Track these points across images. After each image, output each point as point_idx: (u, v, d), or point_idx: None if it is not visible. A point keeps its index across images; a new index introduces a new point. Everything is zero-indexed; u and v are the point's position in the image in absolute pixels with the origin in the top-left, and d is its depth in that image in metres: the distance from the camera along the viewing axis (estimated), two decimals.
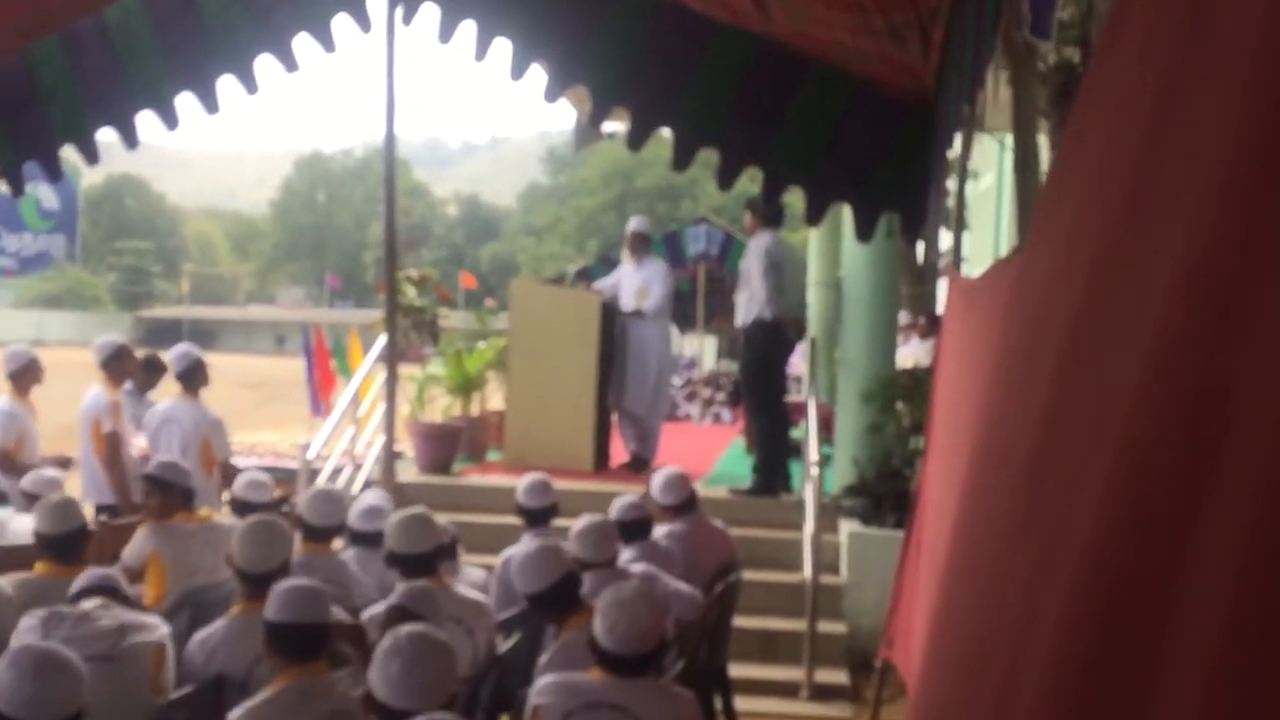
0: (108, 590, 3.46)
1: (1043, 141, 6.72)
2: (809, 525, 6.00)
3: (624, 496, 4.80)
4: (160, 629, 3.40)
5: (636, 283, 8.16)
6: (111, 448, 5.81)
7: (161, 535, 4.42)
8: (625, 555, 4.43)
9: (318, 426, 8.50)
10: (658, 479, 5.09)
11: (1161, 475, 0.73)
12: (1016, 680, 0.98)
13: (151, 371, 6.80)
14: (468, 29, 4.33)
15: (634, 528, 4.59)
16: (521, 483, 4.91)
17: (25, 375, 6.01)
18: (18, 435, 5.85)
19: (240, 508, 4.73)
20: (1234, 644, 0.62)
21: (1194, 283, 0.72)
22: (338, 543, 4.60)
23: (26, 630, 3.17)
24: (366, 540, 4.44)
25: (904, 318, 8.76)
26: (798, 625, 5.76)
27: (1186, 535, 0.69)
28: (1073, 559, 0.85)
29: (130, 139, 4.60)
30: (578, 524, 4.19)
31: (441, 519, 4.23)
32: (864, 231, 4.44)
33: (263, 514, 4.13)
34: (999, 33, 2.68)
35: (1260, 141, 0.67)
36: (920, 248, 8.23)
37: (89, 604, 3.33)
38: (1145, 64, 0.91)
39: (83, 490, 5.84)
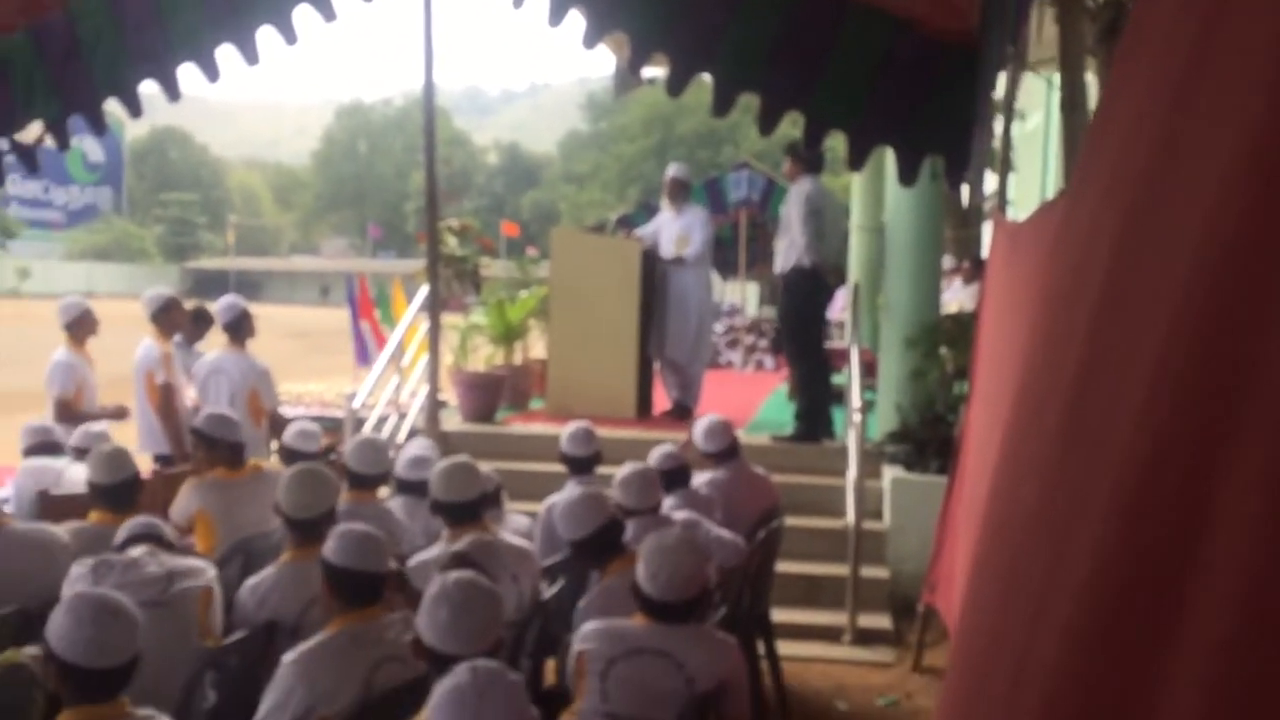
0: (153, 537, 3.54)
1: (1091, 80, 6.57)
2: (852, 471, 6.00)
3: (661, 446, 4.82)
4: (208, 573, 3.48)
5: (676, 230, 8.12)
6: (166, 399, 5.91)
7: (206, 490, 4.48)
8: (666, 503, 4.46)
9: (362, 376, 8.60)
10: (700, 426, 5.11)
11: (1180, 443, 0.72)
12: (1045, 619, 0.98)
13: (199, 322, 6.88)
14: None
15: (673, 476, 4.62)
16: (565, 431, 4.94)
17: (80, 326, 6.12)
18: (76, 385, 5.98)
19: (290, 456, 4.80)
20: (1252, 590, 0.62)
21: (1223, 248, 0.70)
22: (383, 491, 4.66)
23: (77, 578, 3.26)
24: (412, 489, 4.51)
25: (948, 262, 8.66)
26: (841, 570, 5.78)
27: (1206, 496, 0.68)
28: (1099, 518, 0.85)
29: (172, 91, 4.62)
30: (621, 471, 4.21)
31: (485, 467, 4.27)
32: (907, 175, 4.37)
33: (309, 462, 4.19)
34: None
35: None
36: (965, 191, 8.12)
37: (136, 551, 3.41)
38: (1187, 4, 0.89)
39: (139, 441, 5.96)
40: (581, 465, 4.85)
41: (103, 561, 3.32)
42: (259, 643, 3.31)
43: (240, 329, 5.98)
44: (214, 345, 6.37)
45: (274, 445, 5.85)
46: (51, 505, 4.47)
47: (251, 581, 3.53)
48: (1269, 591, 0.60)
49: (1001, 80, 4.75)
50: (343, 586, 2.95)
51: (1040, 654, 0.96)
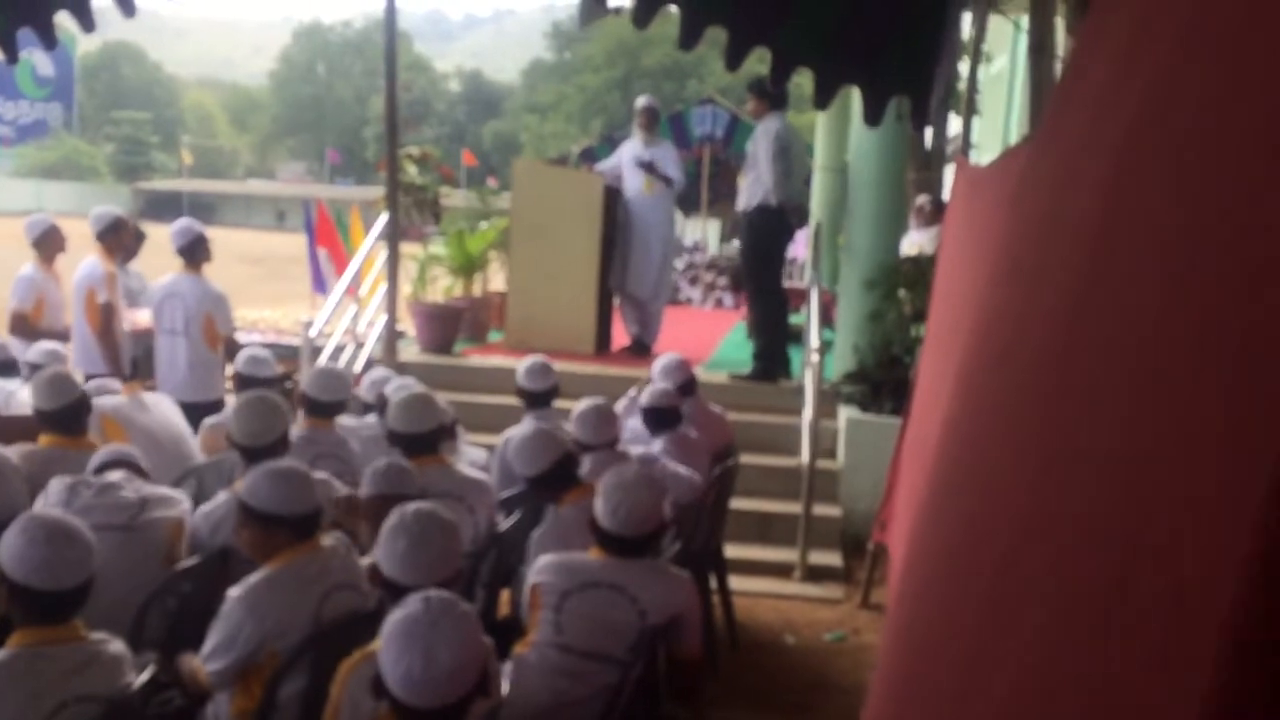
0: (128, 464, 3.53)
1: (1059, 25, 6.54)
2: (808, 411, 6.05)
3: (656, 384, 4.81)
4: (182, 504, 3.46)
5: (646, 159, 8.05)
6: (105, 318, 5.82)
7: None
8: (655, 446, 4.50)
9: (319, 304, 8.51)
10: (658, 363, 5.12)
11: (1167, 391, 0.72)
12: (1017, 564, 0.99)
13: (136, 241, 6.76)
14: None
15: (662, 416, 4.63)
16: (522, 365, 4.93)
17: (47, 243, 6.06)
18: (35, 300, 5.91)
19: (243, 383, 4.76)
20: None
21: (1237, 208, 0.69)
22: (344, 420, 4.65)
23: (53, 494, 3.24)
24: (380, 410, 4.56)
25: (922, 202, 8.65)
26: (794, 508, 5.85)
27: (1190, 452, 0.68)
28: (1091, 468, 0.85)
29: (127, 6, 4.47)
30: (578, 406, 4.22)
31: (442, 399, 4.27)
32: (873, 115, 4.35)
33: (260, 389, 4.16)
34: None
35: None
36: (927, 133, 8.11)
37: (113, 474, 3.39)
38: None
39: (74, 359, 5.86)
40: (538, 399, 4.85)
41: (80, 481, 3.31)
42: (213, 569, 3.31)
43: (196, 253, 5.89)
44: (168, 269, 6.26)
45: (229, 370, 5.79)
46: (3, 426, 4.40)
47: (205, 508, 3.51)
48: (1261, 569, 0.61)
49: (968, 21, 4.72)
50: (273, 529, 2.87)
51: (1002, 606, 0.97)
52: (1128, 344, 0.84)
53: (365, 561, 2.92)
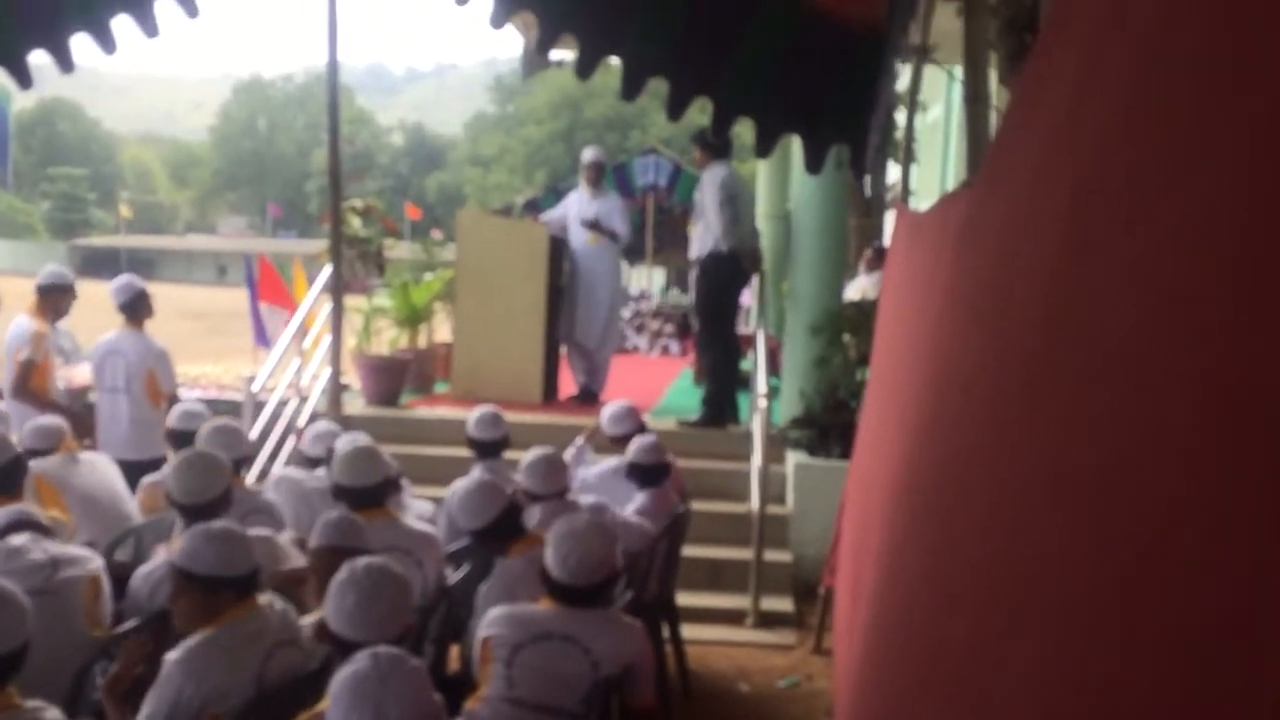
0: (32, 524, 3.41)
1: (992, 75, 6.71)
2: (756, 456, 6.06)
3: (645, 437, 4.79)
4: (93, 562, 3.37)
5: (591, 214, 8.09)
6: (20, 376, 5.69)
7: None
8: (637, 500, 4.49)
9: (262, 358, 8.40)
10: (607, 411, 5.11)
11: (1164, 437, 0.73)
12: (991, 590, 0.99)
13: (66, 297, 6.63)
14: None
15: (653, 472, 4.61)
16: (472, 415, 4.90)
17: None
18: None
19: (177, 439, 4.67)
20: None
21: (1214, 234, 0.70)
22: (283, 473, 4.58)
23: None
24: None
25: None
26: (744, 555, 5.84)
27: (1174, 489, 0.69)
28: (1072, 489, 0.86)
29: (64, 62, 4.43)
30: (527, 456, 4.19)
31: (388, 451, 4.22)
32: (814, 163, 4.42)
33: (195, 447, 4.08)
34: None
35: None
36: (867, 180, 8.24)
37: (18, 539, 3.28)
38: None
39: (13, 421, 5.72)
40: (489, 449, 4.82)
41: None
42: (152, 632, 3.22)
43: (137, 309, 5.80)
44: (110, 326, 6.15)
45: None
46: None
47: (144, 569, 3.43)
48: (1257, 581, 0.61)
49: (906, 72, 4.82)
50: (216, 592, 2.77)
51: (951, 638, 0.97)
52: (1097, 374, 0.85)
53: (308, 620, 2.86)
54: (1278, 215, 0.62)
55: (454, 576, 3.83)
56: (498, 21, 4.31)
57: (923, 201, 5.81)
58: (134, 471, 4.86)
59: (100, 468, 4.66)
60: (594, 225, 7.99)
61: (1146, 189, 0.81)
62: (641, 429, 5.08)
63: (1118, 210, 0.87)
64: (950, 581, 1.21)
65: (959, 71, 6.89)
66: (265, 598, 2.88)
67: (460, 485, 4.02)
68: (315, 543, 3.26)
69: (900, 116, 6.27)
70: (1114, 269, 0.86)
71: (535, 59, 9.79)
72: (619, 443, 5.01)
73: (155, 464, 5.41)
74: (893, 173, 10.13)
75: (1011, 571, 1.01)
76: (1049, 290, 1.02)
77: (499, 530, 3.57)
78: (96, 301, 6.68)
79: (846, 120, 4.16)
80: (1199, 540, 0.65)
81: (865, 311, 6.60)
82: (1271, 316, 0.61)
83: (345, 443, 4.43)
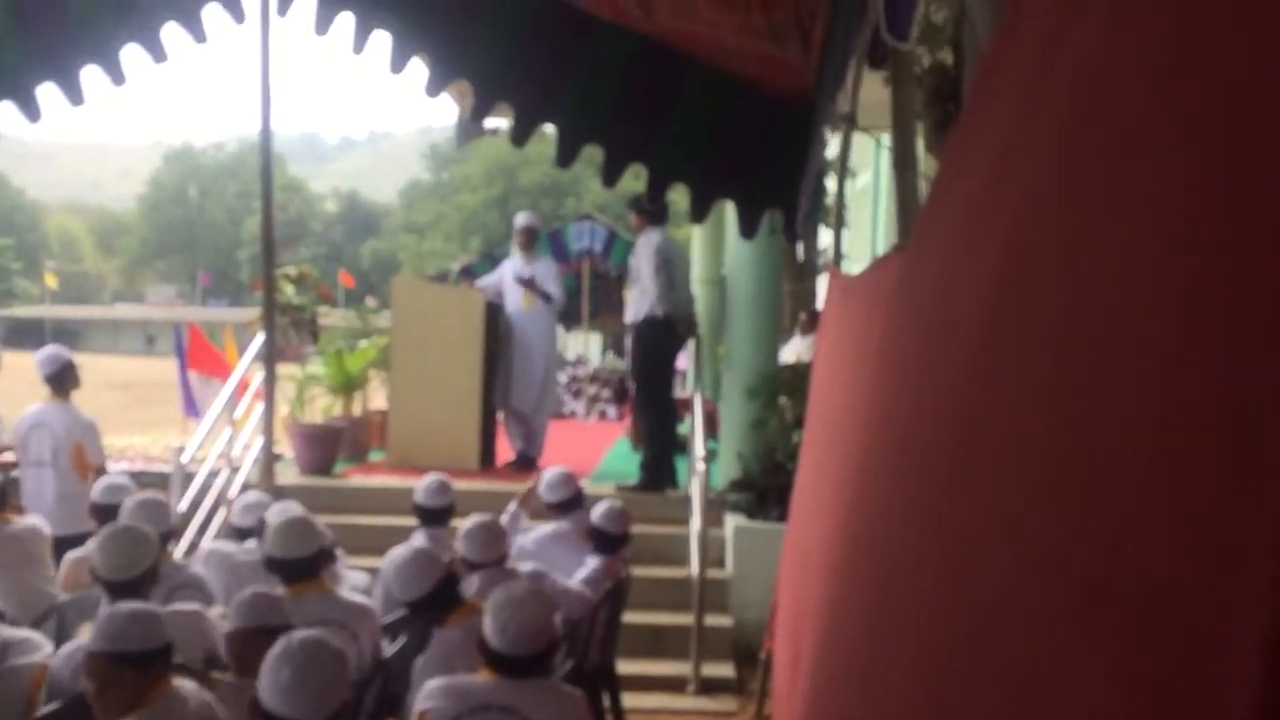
0: None
1: (919, 143, 6.89)
2: (695, 520, 6.05)
3: (612, 503, 4.76)
4: (44, 649, 3.24)
5: (526, 276, 8.11)
6: None
7: None
8: (590, 565, 4.46)
9: (192, 429, 8.24)
10: (545, 477, 5.08)
11: (1093, 478, 0.75)
12: (929, 640, 0.99)
13: None
14: (345, 20, 4.23)
15: (616, 541, 4.58)
16: (421, 482, 4.86)
17: None
18: None
19: (101, 513, 4.53)
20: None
21: (1145, 283, 0.73)
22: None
23: None
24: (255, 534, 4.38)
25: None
26: (685, 620, 5.80)
27: (1120, 536, 0.70)
28: (1002, 547, 0.87)
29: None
30: (465, 523, 4.15)
31: (323, 521, 4.14)
32: (747, 229, 4.49)
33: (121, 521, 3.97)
34: (868, 33, 2.73)
35: (1196, 125, 0.68)
36: (799, 245, 8.36)
37: None
38: (1053, 58, 0.94)
39: None
40: (435, 517, 4.77)
41: None
42: (75, 714, 3.10)
43: (64, 381, 5.67)
44: (17, 397, 6.00)
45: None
46: None
47: (66, 649, 3.30)
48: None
49: (836, 139, 4.93)
50: (126, 670, 2.67)
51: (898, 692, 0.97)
52: (1025, 425, 0.87)
53: None
54: (1203, 269, 0.64)
55: (390, 649, 3.75)
56: (433, 90, 4.34)
57: (855, 265, 5.92)
58: (61, 547, 4.72)
59: (25, 540, 4.51)
60: (528, 283, 8.02)
61: (1072, 249, 0.83)
62: (579, 496, 5.05)
63: (1044, 269, 0.90)
64: (888, 638, 1.21)
65: (887, 139, 7.06)
66: (186, 684, 2.78)
67: (396, 555, 3.96)
68: (231, 624, 3.16)
69: (831, 183, 6.39)
70: (1040, 325, 0.89)
71: (470, 127, 9.85)
72: (556, 510, 4.97)
73: (82, 539, 5.24)
74: (825, 237, 10.30)
75: (946, 625, 1.02)
76: (977, 347, 1.05)
77: (436, 600, 3.51)
78: (21, 373, 6.51)
79: (779, 186, 4.23)
80: (1133, 584, 0.66)
81: (800, 374, 6.66)
82: (1196, 370, 0.63)
83: (275, 513, 4.34)
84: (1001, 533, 0.92)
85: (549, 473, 5.10)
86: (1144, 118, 0.75)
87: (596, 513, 4.66)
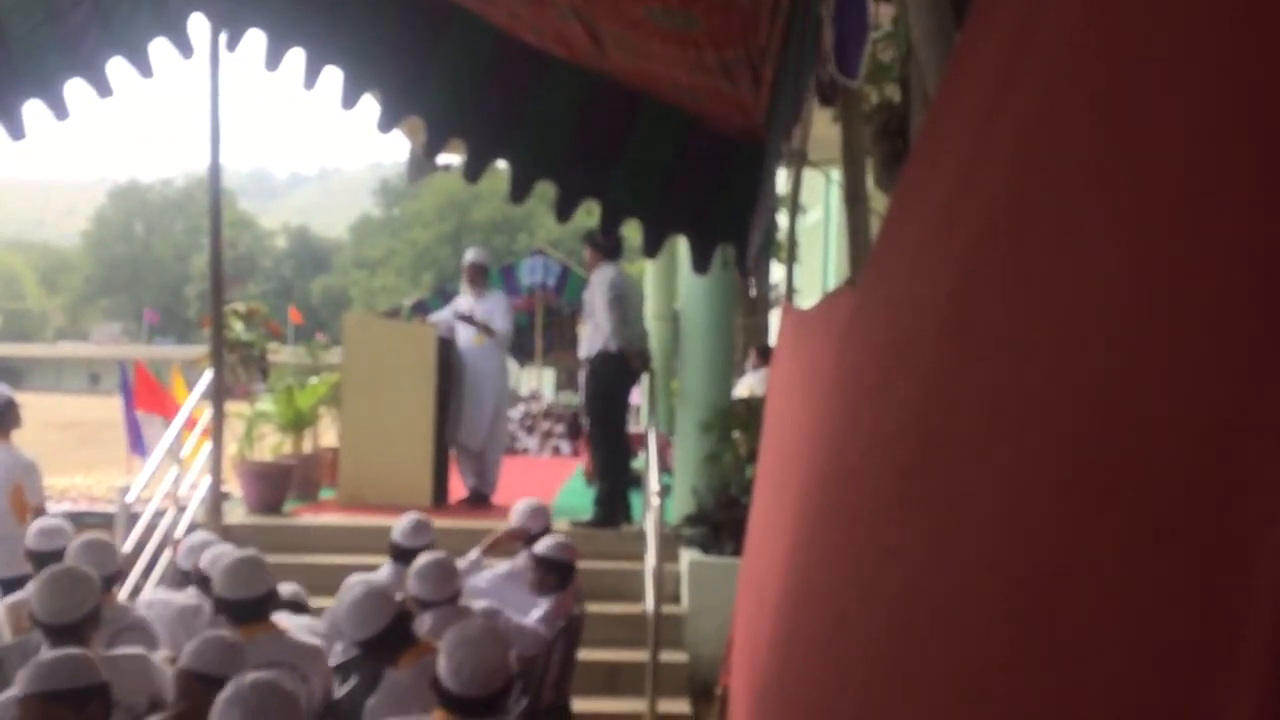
0: None
1: (869, 177, 6.96)
2: (650, 556, 6.02)
3: (553, 536, 4.72)
4: None
5: (478, 314, 8.08)
6: None
7: None
8: (541, 608, 4.40)
9: (137, 468, 8.10)
10: (521, 506, 5.10)
11: (1044, 506, 0.76)
12: (884, 668, 1.00)
13: None
14: (296, 56, 4.22)
15: (565, 571, 4.53)
16: (400, 521, 4.81)
17: None
18: None
19: (36, 559, 4.41)
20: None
21: (1092, 303, 0.75)
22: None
23: None
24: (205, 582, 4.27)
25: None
26: (640, 656, 5.76)
27: (1076, 555, 0.71)
28: (950, 587, 0.87)
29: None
30: (417, 562, 4.10)
31: (272, 561, 4.07)
32: (700, 264, 4.51)
33: (62, 563, 3.87)
34: (816, 71, 2.77)
35: (1143, 151, 0.71)
36: (752, 280, 8.43)
37: None
38: (1004, 97, 0.96)
39: None
40: (412, 557, 4.72)
41: None
42: None
43: (4, 420, 5.54)
44: None
45: None
46: None
47: (7, 695, 3.21)
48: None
49: (786, 175, 4.98)
50: (60, 711, 2.64)
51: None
52: (975, 453, 0.88)
53: None
54: (1160, 298, 0.66)
55: (341, 690, 3.69)
56: (385, 126, 4.33)
57: (806, 300, 5.96)
58: (2, 590, 4.59)
59: None
60: (468, 319, 7.99)
61: (1022, 281, 0.85)
62: (547, 529, 5.04)
63: (995, 300, 0.92)
64: (838, 665, 1.22)
65: (837, 174, 7.15)
66: None
67: (348, 594, 3.90)
68: (181, 663, 3.09)
69: (782, 218, 6.46)
70: (992, 352, 0.91)
71: (422, 162, 9.84)
72: (530, 542, 4.95)
73: (20, 582, 5.11)
74: (776, 272, 10.38)
75: (895, 654, 1.03)
76: (930, 375, 1.06)
77: (388, 640, 3.46)
78: None
79: (730, 222, 4.27)
80: (1087, 608, 0.67)
81: (754, 408, 6.69)
82: (1154, 396, 0.65)
83: (214, 554, 4.26)
84: (949, 560, 0.93)
85: (525, 502, 5.11)
86: (1091, 155, 0.77)
87: (544, 545, 4.62)
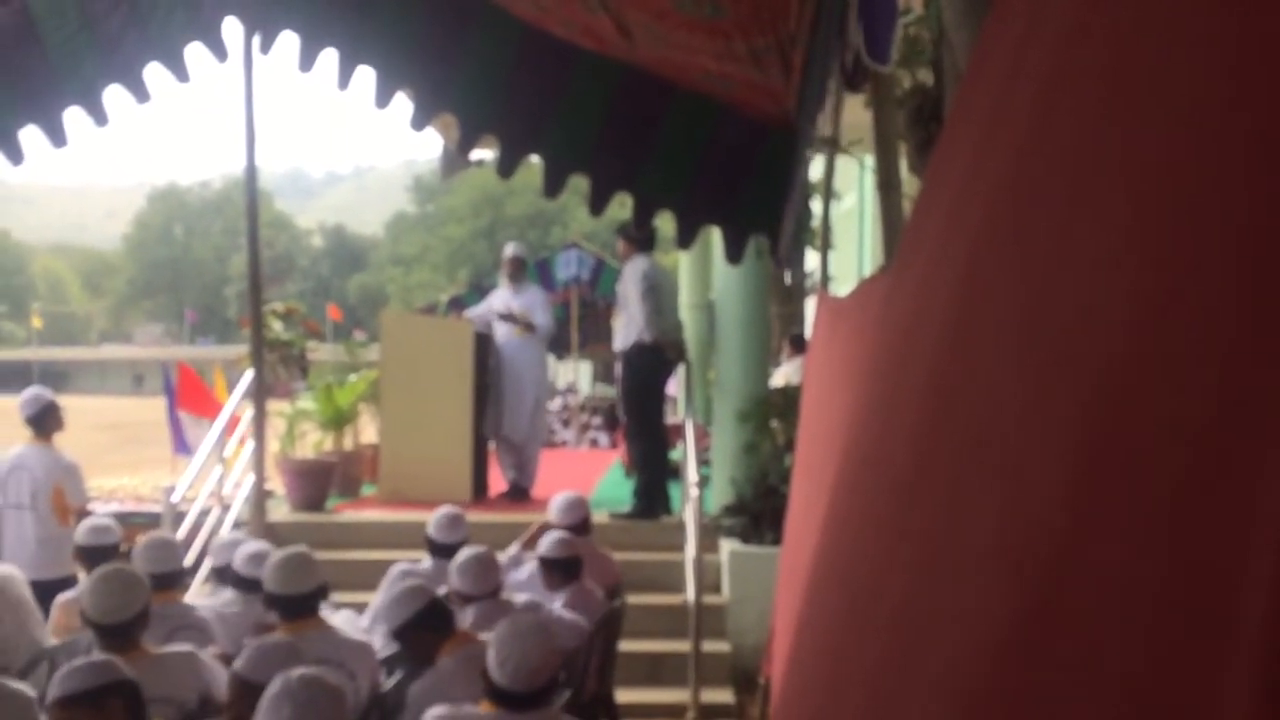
0: None
1: (903, 164, 6.92)
2: (690, 546, 6.03)
3: (552, 532, 4.72)
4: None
5: (515, 308, 8.11)
6: None
7: None
8: (556, 603, 4.39)
9: (182, 468, 8.20)
10: (556, 501, 5.09)
11: (1047, 490, 0.76)
12: (897, 672, 1.00)
13: None
14: (329, 57, 4.25)
15: (567, 567, 4.52)
16: (433, 516, 4.83)
17: None
18: None
19: (86, 555, 4.49)
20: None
21: (1085, 294, 0.75)
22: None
23: None
24: (250, 585, 4.30)
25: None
26: (682, 647, 5.77)
27: (1070, 546, 0.71)
28: (955, 571, 0.87)
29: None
30: (459, 556, 4.12)
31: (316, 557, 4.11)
32: (734, 253, 4.50)
33: (114, 562, 3.93)
34: (848, 57, 2.75)
35: (1145, 144, 0.70)
36: (787, 268, 8.39)
37: None
38: (1016, 79, 0.95)
39: None
40: (448, 551, 4.74)
41: None
42: None
43: (45, 422, 5.63)
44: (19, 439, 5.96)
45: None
46: None
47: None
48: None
49: (819, 162, 4.96)
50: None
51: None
52: (979, 438, 0.88)
53: None
54: (1160, 282, 0.65)
55: (387, 683, 3.72)
56: (419, 124, 4.36)
57: (842, 287, 5.94)
58: (44, 592, 4.64)
59: (7, 587, 4.47)
60: (508, 316, 8.02)
61: (1029, 262, 0.85)
62: (587, 521, 5.05)
63: (1003, 282, 0.92)
64: (849, 657, 1.22)
65: (870, 160, 7.11)
66: None
67: (384, 583, 3.93)
68: (236, 667, 3.15)
69: (816, 205, 6.43)
70: (998, 335, 0.90)
71: (455, 159, 9.88)
72: (569, 533, 4.96)
73: (66, 583, 5.19)
74: (810, 260, 10.34)
75: (901, 647, 1.03)
76: (940, 358, 1.06)
77: (420, 628, 3.49)
78: (6, 416, 6.49)
79: (763, 211, 4.25)
80: (1082, 602, 0.67)
81: (790, 396, 6.67)
82: (1155, 380, 0.64)
83: (250, 551, 4.31)
84: (958, 540, 0.93)
85: (561, 496, 5.11)
86: (1096, 136, 0.77)
87: (543, 546, 4.60)
